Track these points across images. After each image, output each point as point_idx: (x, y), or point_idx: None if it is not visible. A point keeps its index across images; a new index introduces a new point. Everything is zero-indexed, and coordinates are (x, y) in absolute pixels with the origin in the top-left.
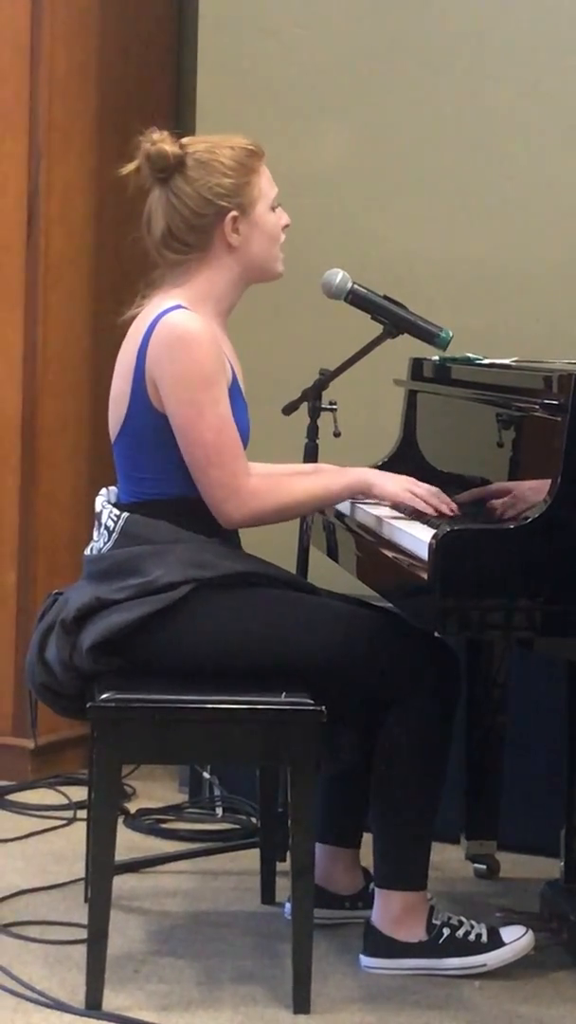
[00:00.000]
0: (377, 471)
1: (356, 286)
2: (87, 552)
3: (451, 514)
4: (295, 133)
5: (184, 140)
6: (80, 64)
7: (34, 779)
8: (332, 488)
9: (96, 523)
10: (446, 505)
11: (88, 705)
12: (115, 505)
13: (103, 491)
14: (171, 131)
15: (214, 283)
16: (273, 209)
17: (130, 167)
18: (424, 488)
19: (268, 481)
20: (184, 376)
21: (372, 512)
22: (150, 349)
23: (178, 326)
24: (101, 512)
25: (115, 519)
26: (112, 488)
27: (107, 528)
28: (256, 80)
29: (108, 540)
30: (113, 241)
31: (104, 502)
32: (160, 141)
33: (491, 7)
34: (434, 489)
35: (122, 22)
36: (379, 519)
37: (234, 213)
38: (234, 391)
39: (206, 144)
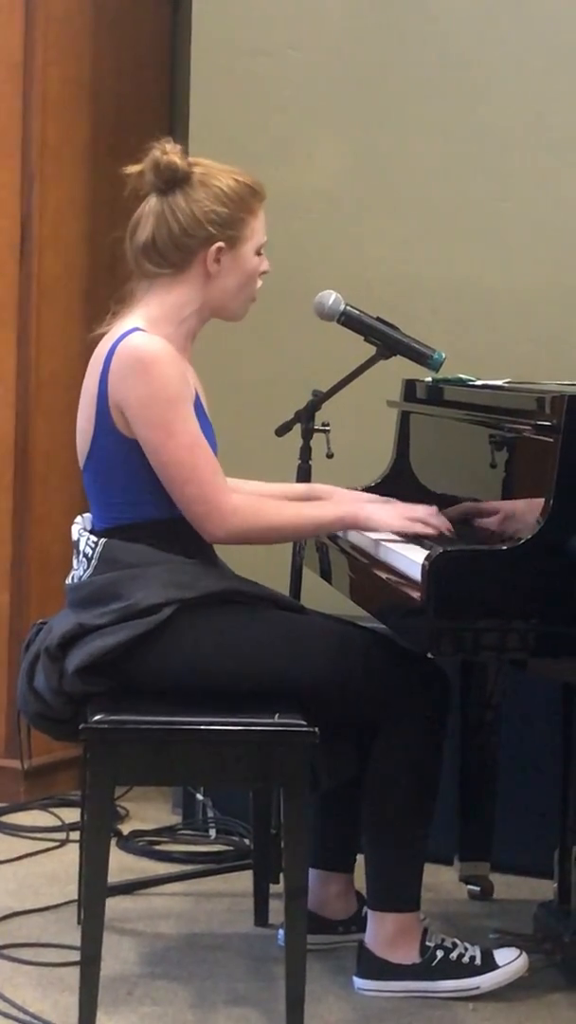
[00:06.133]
0: (369, 499)
1: (348, 308)
2: (68, 581)
3: (450, 535)
4: (288, 154)
5: (191, 159)
6: (73, 85)
7: (26, 800)
8: (322, 520)
9: (75, 551)
10: (445, 526)
11: (80, 727)
12: (91, 532)
13: (78, 519)
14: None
15: (180, 306)
16: (258, 254)
17: (133, 169)
18: (421, 511)
19: (251, 500)
20: (150, 398)
21: (365, 534)
22: (111, 374)
23: (138, 348)
24: (79, 540)
25: (93, 546)
26: (87, 515)
27: (86, 556)
28: (250, 101)
29: (88, 567)
30: (107, 262)
31: (80, 530)
32: (172, 152)
33: (487, 28)
34: (431, 509)
35: (115, 43)
36: (373, 540)
37: (220, 243)
38: (198, 410)
39: (212, 169)
